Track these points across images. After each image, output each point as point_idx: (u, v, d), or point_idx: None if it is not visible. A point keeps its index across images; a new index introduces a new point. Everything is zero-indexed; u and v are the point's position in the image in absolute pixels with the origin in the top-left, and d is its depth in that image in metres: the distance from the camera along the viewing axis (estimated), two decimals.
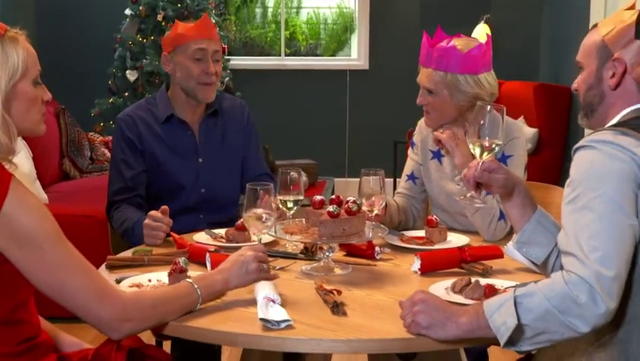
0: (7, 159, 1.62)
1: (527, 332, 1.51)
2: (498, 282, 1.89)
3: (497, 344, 1.52)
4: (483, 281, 1.84)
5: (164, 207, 2.37)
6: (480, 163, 1.86)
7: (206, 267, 1.99)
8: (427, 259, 2.05)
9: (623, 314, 1.55)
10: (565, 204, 1.57)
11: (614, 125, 1.63)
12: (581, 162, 1.59)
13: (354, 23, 7.21)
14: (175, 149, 2.70)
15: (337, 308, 1.72)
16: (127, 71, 5.69)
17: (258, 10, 7.48)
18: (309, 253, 2.21)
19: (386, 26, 6.95)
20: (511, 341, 1.52)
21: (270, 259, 2.00)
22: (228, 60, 6.38)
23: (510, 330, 1.49)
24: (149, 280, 1.92)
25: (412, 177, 2.61)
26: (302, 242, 2.14)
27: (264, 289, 1.73)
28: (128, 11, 5.81)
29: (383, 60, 6.94)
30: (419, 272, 2.03)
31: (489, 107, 1.86)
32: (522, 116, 5.77)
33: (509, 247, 1.87)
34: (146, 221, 2.34)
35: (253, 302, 1.72)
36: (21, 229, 1.54)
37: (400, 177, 2.74)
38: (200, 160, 2.72)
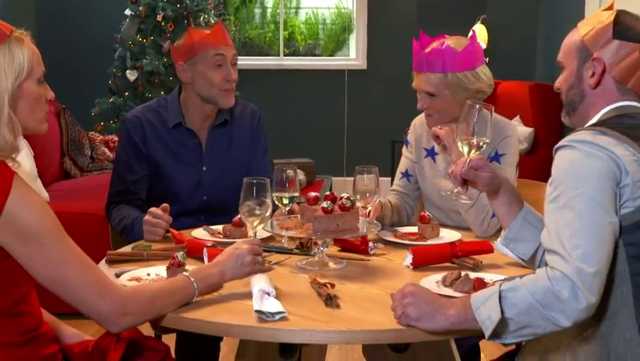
0: (10, 157, 1.64)
1: (511, 325, 1.54)
2: (488, 275, 1.91)
3: (484, 336, 1.55)
4: (473, 275, 1.87)
5: (165, 204, 2.38)
6: (467, 160, 1.90)
7: (203, 262, 2.01)
8: (419, 253, 2.07)
9: (604, 309, 1.58)
10: (547, 203, 1.60)
11: (594, 125, 1.66)
12: (561, 161, 1.61)
13: (352, 23, 7.22)
14: (179, 155, 2.67)
15: (331, 301, 1.75)
16: (127, 71, 5.70)
17: (257, 11, 7.49)
18: (304, 248, 2.23)
19: (384, 27, 6.95)
20: (496, 334, 1.55)
21: (266, 253, 2.03)
22: None
23: (494, 323, 1.52)
24: (148, 274, 1.95)
25: (406, 174, 2.64)
26: (297, 237, 2.17)
27: (259, 283, 1.76)
28: (128, 11, 5.81)
29: (381, 60, 6.95)
30: (411, 267, 2.05)
31: (478, 105, 1.90)
32: (518, 116, 5.80)
33: (498, 244, 1.91)
34: (147, 217, 2.36)
35: (249, 295, 1.75)
36: (23, 225, 1.57)
37: None
38: (204, 168, 2.69)
